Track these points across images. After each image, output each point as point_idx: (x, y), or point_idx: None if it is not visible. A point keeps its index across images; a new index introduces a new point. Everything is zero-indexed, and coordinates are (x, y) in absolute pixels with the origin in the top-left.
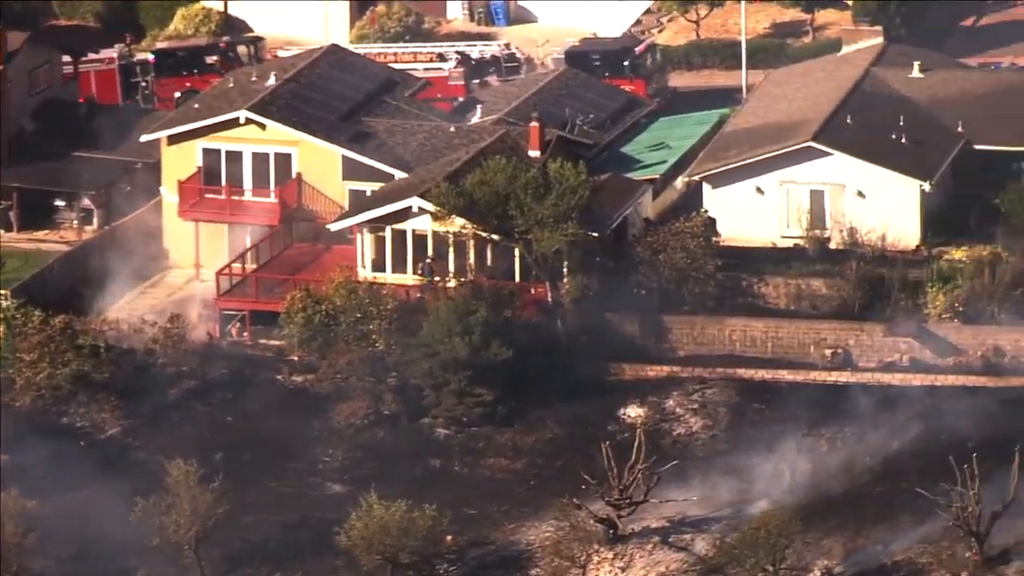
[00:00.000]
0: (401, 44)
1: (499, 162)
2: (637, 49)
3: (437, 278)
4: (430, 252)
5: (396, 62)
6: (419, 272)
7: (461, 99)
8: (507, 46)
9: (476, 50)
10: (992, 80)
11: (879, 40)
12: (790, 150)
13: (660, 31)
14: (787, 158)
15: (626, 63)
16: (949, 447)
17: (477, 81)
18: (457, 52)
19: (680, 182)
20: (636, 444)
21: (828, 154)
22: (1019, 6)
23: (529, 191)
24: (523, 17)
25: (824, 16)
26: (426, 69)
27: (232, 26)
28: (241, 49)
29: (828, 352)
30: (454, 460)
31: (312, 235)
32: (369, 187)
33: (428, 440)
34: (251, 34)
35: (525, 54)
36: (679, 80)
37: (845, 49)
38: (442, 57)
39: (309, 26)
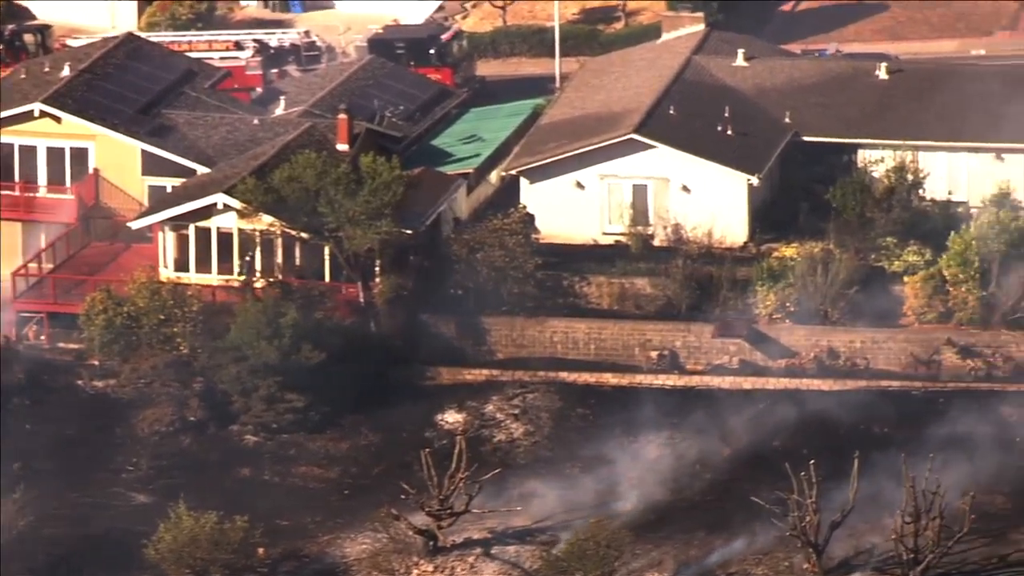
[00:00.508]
0: (195, 32)
1: (308, 157)
2: (443, 36)
3: (254, 278)
4: (247, 251)
5: (190, 51)
6: (240, 271)
7: (259, 90)
8: (307, 34)
9: (275, 38)
10: (819, 69)
11: (701, 27)
12: (611, 143)
13: (464, 17)
14: (608, 151)
15: (432, 51)
16: (783, 453)
17: (275, 71)
18: (255, 40)
19: (495, 176)
20: (456, 452)
21: (651, 147)
22: None
23: (340, 187)
24: (320, 3)
25: (637, 2)
26: (222, 58)
27: (14, 13)
28: (28, 37)
29: (654, 354)
30: (265, 469)
31: (111, 233)
32: (170, 183)
33: (237, 448)
34: (37, 22)
35: (325, 42)
36: (486, 69)
37: (665, 36)
38: (239, 46)
39: (95, 14)
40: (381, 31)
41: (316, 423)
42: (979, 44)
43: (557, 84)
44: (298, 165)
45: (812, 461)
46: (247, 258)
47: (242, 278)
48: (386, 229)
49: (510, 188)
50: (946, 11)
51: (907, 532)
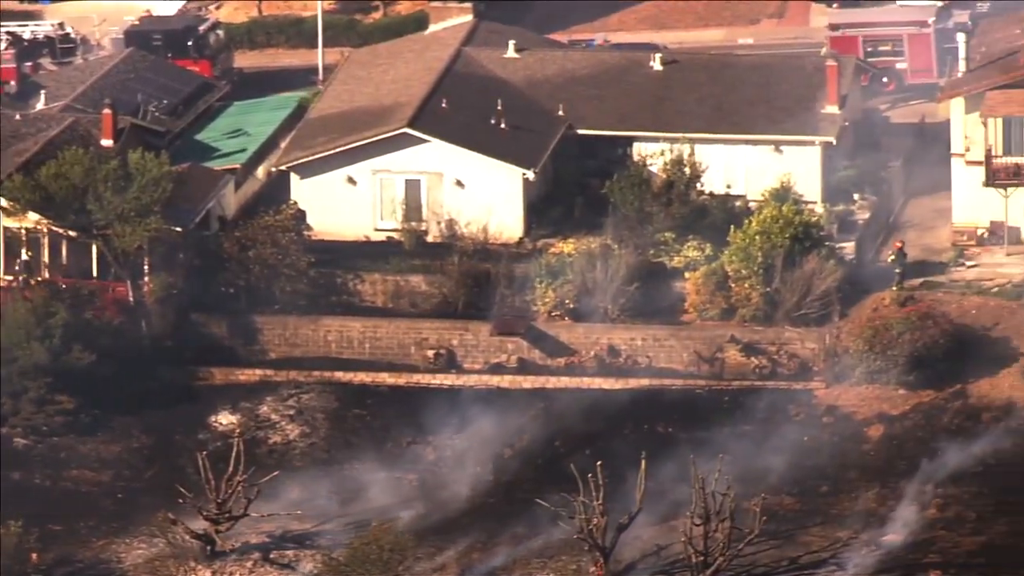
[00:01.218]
0: None
1: (76, 153)
2: (201, 28)
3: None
4: (17, 250)
5: None
6: (16, 271)
7: (13, 84)
8: (61, 26)
9: (28, 30)
10: (592, 60)
11: (469, 18)
12: (384, 137)
13: (218, 8)
14: (380, 146)
15: (190, 43)
16: (567, 454)
17: (29, 64)
18: (8, 33)
19: (262, 171)
20: (234, 454)
21: (424, 141)
22: None
23: (109, 183)
24: None
25: None
26: None
27: None
28: None
29: (430, 353)
30: (35, 472)
31: None
32: None
33: (6, 451)
34: None
35: (80, 35)
36: (244, 60)
37: (433, 27)
38: None
39: None
40: (138, 23)
41: (87, 425)
42: (746, 33)
43: (320, 76)
44: (65, 162)
45: (599, 463)
46: (24, 258)
47: (15, 277)
48: (155, 226)
49: (278, 184)
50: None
51: (696, 534)
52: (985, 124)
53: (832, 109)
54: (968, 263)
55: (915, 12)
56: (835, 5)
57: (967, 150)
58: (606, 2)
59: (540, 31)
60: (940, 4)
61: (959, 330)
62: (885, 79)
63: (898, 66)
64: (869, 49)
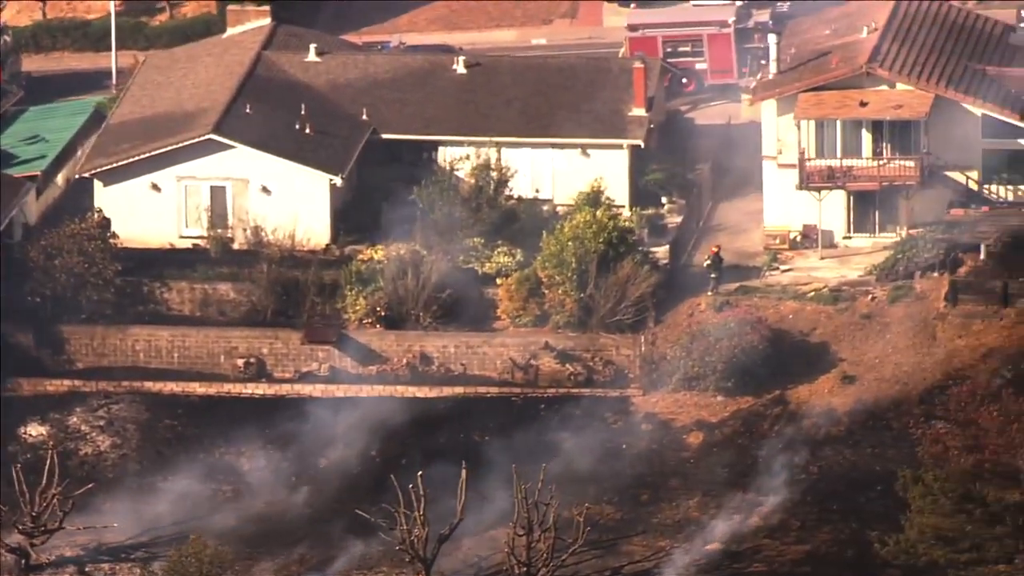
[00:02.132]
0: None
1: None
2: None
3: None
4: None
5: None
6: None
7: None
8: None
9: None
10: (394, 63)
11: (267, 21)
12: (188, 143)
13: (1, 10)
14: (185, 152)
15: None
16: (383, 463)
17: None
18: None
19: (62, 178)
20: (47, 467)
21: (230, 147)
22: None
23: None
24: None
25: None
26: None
27: None
28: None
29: (240, 362)
30: None
31: None
32: None
33: None
34: None
35: None
36: (30, 64)
37: (231, 31)
38: None
39: None
40: None
41: None
42: (539, 33)
43: (115, 80)
44: None
45: (420, 473)
46: None
47: None
48: None
49: (79, 191)
50: None
51: (519, 544)
52: (798, 126)
53: (639, 112)
54: (782, 267)
55: (715, 12)
56: (633, 5)
57: (779, 153)
58: (395, 2)
59: (331, 33)
60: (739, 4)
61: (777, 335)
62: (685, 80)
63: (698, 66)
64: (669, 50)
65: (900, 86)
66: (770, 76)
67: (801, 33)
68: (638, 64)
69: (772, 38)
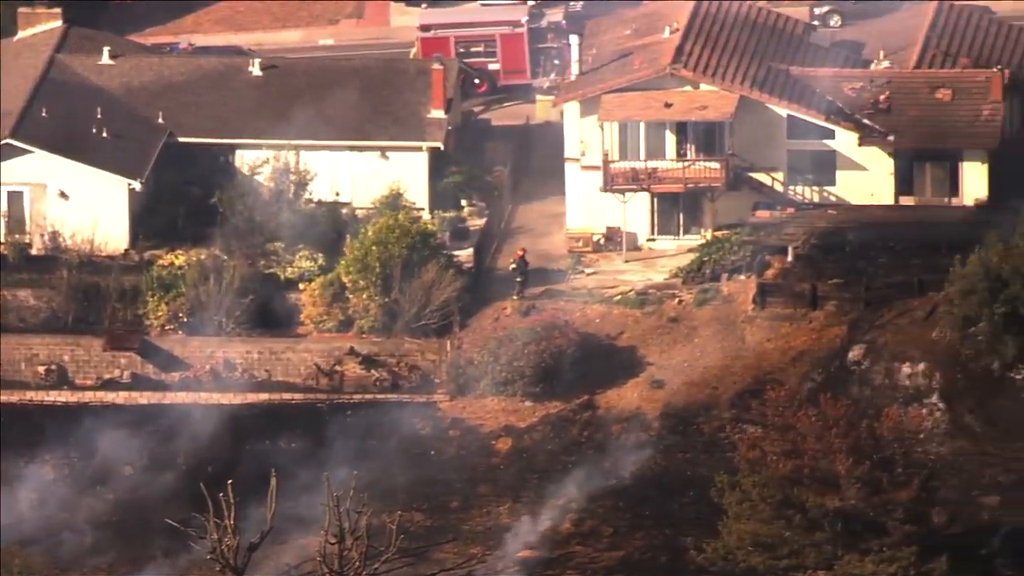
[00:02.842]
0: None
1: None
2: None
3: None
4: None
5: None
6: None
7: None
8: None
9: None
10: (189, 65)
11: (59, 23)
12: None
13: None
14: None
15: None
16: (190, 471)
17: None
18: None
19: None
20: None
21: (27, 152)
22: None
23: None
24: None
25: None
26: None
27: None
28: None
29: (41, 369)
30: None
31: None
32: None
33: None
34: None
35: None
36: None
37: (22, 33)
38: None
39: None
40: None
41: None
42: (325, 34)
43: None
44: None
45: (229, 481)
46: None
47: None
48: None
49: None
50: None
51: (331, 552)
52: (602, 128)
53: (438, 114)
54: (587, 270)
55: (508, 12)
56: (424, 5)
57: (583, 155)
58: (179, 3)
59: (116, 34)
60: (532, 3)
61: (584, 339)
62: (478, 80)
63: (491, 67)
64: (461, 50)
65: (704, 87)
66: (572, 77)
67: (600, 34)
68: (437, 66)
69: (574, 39)
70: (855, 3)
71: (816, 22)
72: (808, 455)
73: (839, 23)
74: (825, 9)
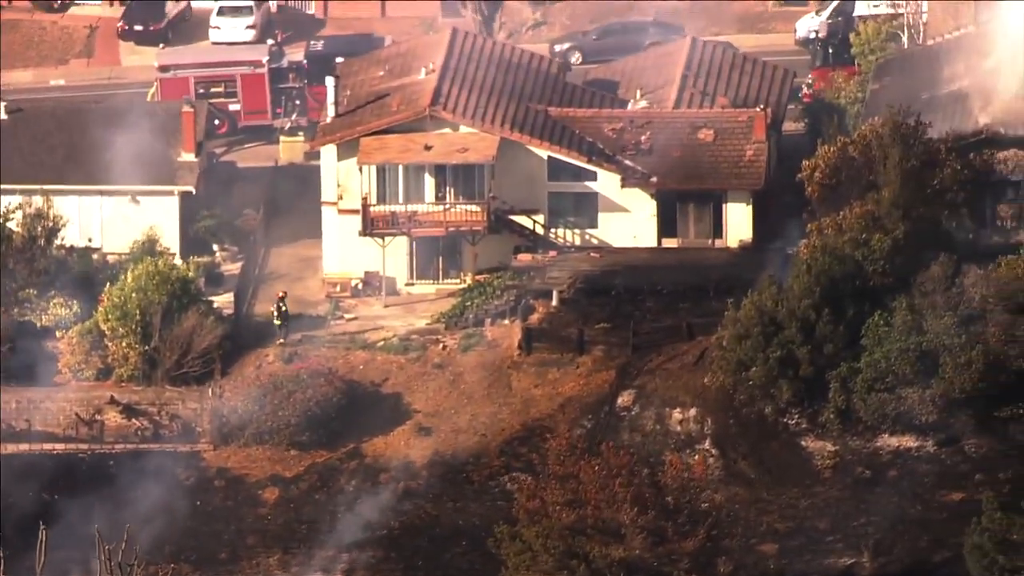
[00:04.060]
0: None
1: None
2: None
3: None
4: None
5: None
6: None
7: None
8: None
9: None
10: None
11: None
12: None
13: None
14: None
15: None
16: None
17: None
18: None
19: None
20: None
21: None
22: None
23: None
24: None
25: None
26: None
27: None
28: None
29: None
30: None
31: None
32: None
33: None
34: None
35: None
36: None
37: None
38: None
39: None
40: None
41: None
42: (56, 74)
43: None
44: None
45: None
46: None
47: None
48: None
49: None
50: (14, 38)
51: None
52: (361, 171)
53: (189, 157)
54: (347, 316)
55: (248, 52)
56: (162, 46)
57: (340, 198)
58: None
59: None
60: (272, 43)
61: (350, 387)
62: (218, 121)
63: (232, 107)
64: (201, 90)
65: (464, 128)
66: (328, 119)
67: (353, 75)
68: (187, 108)
69: (329, 80)
70: (595, 40)
71: (557, 59)
72: (591, 505)
73: (579, 60)
74: (566, 46)
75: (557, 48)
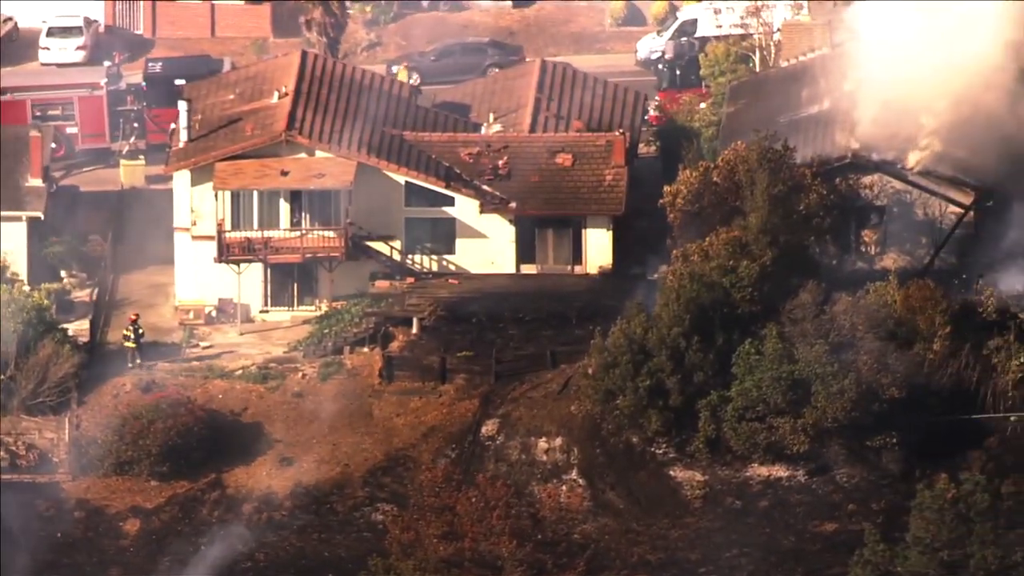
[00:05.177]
0: None
1: None
2: None
3: None
4: None
5: None
6: None
7: None
8: None
9: None
10: None
11: None
12: None
13: None
14: None
15: None
16: None
17: None
18: None
19: None
20: None
21: None
22: None
23: None
24: None
25: None
26: None
27: None
28: None
29: None
30: None
31: None
32: None
33: None
34: None
35: None
36: None
37: None
38: None
39: None
40: None
41: None
42: None
43: None
44: None
45: None
46: None
47: None
48: None
49: None
50: None
51: None
52: (217, 197)
53: (36, 182)
54: (203, 343)
55: (86, 74)
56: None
57: (194, 224)
58: None
59: None
60: (109, 64)
61: (210, 416)
62: (55, 144)
63: (69, 131)
64: (38, 113)
65: (320, 153)
66: (181, 144)
67: (202, 98)
68: (35, 132)
69: (182, 104)
70: (434, 61)
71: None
72: (468, 537)
73: (418, 81)
74: (402, 66)
75: (394, 69)
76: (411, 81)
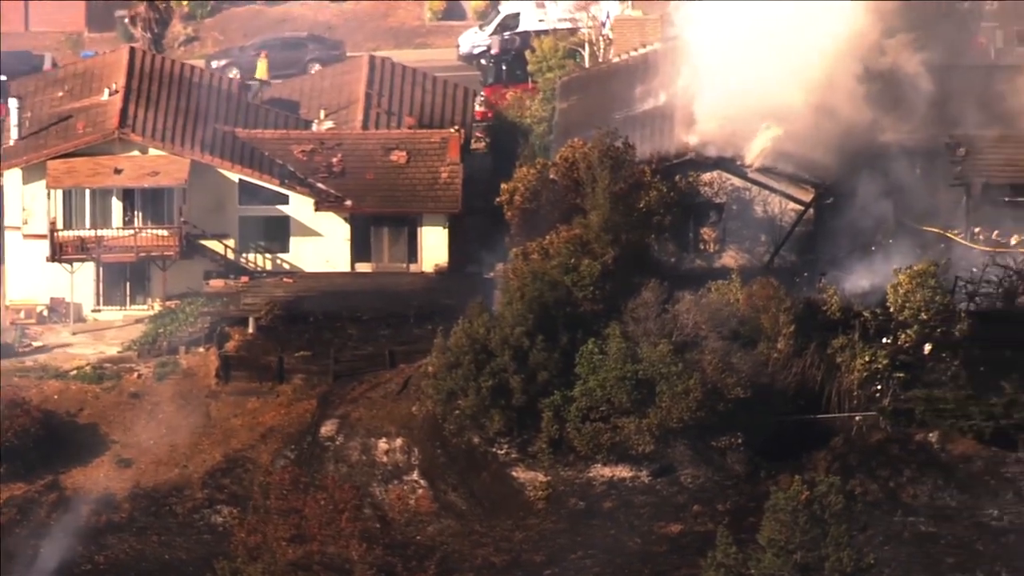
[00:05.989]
0: None
1: None
2: None
3: None
4: None
5: None
6: None
7: None
8: None
9: None
10: None
11: None
12: None
13: None
14: None
15: None
16: None
17: None
18: None
19: None
20: None
21: None
22: None
23: None
24: None
25: None
26: None
27: None
28: None
29: None
30: None
31: None
32: None
33: None
34: None
35: None
36: None
37: None
38: None
39: None
40: None
41: None
42: None
43: None
44: None
45: None
46: None
47: None
48: None
49: None
50: None
51: None
52: (50, 196)
53: None
54: (35, 343)
55: None
56: None
57: (25, 223)
58: None
59: None
60: None
61: (46, 417)
62: None
63: None
64: None
65: (154, 151)
66: (11, 142)
67: (31, 95)
68: None
69: (14, 102)
70: (254, 56)
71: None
72: (317, 540)
73: (238, 77)
74: (223, 63)
75: (214, 64)
76: (231, 77)
